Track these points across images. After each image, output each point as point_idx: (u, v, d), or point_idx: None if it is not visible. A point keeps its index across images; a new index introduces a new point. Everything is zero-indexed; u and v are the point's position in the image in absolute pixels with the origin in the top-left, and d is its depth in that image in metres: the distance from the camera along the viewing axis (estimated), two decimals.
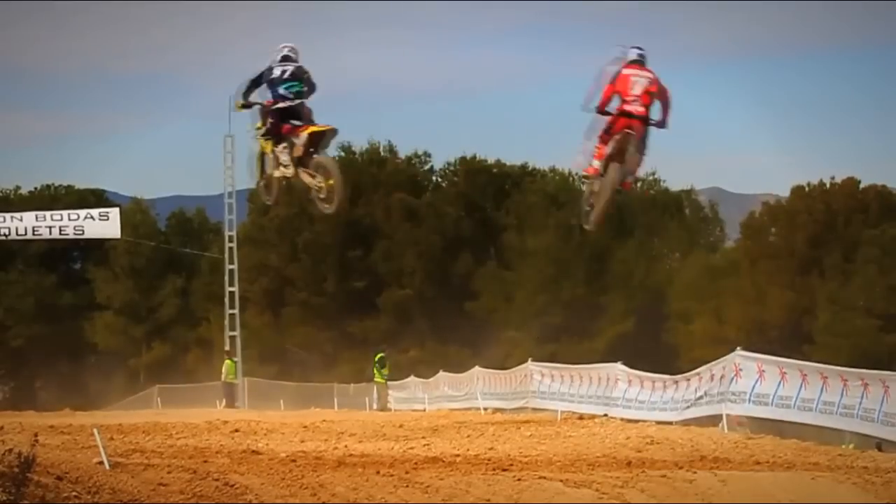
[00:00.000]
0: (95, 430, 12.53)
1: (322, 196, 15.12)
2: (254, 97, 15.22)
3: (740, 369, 20.32)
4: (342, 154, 69.89)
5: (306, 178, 15.14)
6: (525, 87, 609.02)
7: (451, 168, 70.67)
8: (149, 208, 74.57)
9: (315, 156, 15.00)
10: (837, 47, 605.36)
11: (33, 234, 42.26)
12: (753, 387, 19.87)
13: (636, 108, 13.81)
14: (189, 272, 70.89)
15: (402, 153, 70.76)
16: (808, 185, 62.86)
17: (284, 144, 15.13)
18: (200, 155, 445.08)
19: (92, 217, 42.38)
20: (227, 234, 54.05)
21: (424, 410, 35.31)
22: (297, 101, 15.04)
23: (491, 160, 70.99)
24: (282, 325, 66.07)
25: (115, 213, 44.01)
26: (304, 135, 14.90)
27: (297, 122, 15.01)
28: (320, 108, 15.27)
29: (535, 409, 28.38)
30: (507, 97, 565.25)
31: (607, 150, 14.01)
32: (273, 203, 17.28)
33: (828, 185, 62.36)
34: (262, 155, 15.67)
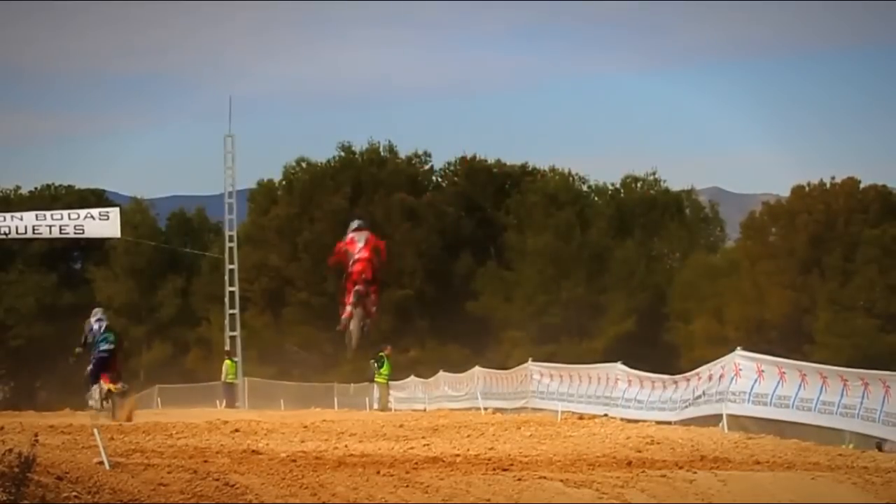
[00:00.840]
0: (95, 430, 12.52)
1: (112, 421, 21.69)
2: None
3: (740, 369, 20.32)
4: (342, 154, 70.09)
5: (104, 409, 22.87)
6: (525, 87, 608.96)
7: (451, 168, 70.74)
8: (149, 208, 74.58)
9: (113, 397, 22.93)
10: (837, 47, 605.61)
11: (33, 234, 42.22)
12: (752, 387, 19.86)
13: (361, 255, 19.34)
14: (189, 272, 70.92)
15: (402, 153, 70.84)
16: (808, 185, 62.94)
17: (97, 386, 22.86)
18: (200, 155, 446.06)
19: (92, 217, 42.29)
20: (227, 234, 54.08)
21: (424, 410, 35.29)
22: (112, 347, 22.84)
23: (491, 160, 71.15)
24: (282, 325, 66.06)
25: (115, 212, 43.89)
26: (105, 388, 22.86)
27: (107, 374, 22.82)
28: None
29: (535, 409, 28.33)
30: (507, 97, 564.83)
31: (351, 299, 19.64)
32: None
33: (828, 185, 62.41)
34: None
